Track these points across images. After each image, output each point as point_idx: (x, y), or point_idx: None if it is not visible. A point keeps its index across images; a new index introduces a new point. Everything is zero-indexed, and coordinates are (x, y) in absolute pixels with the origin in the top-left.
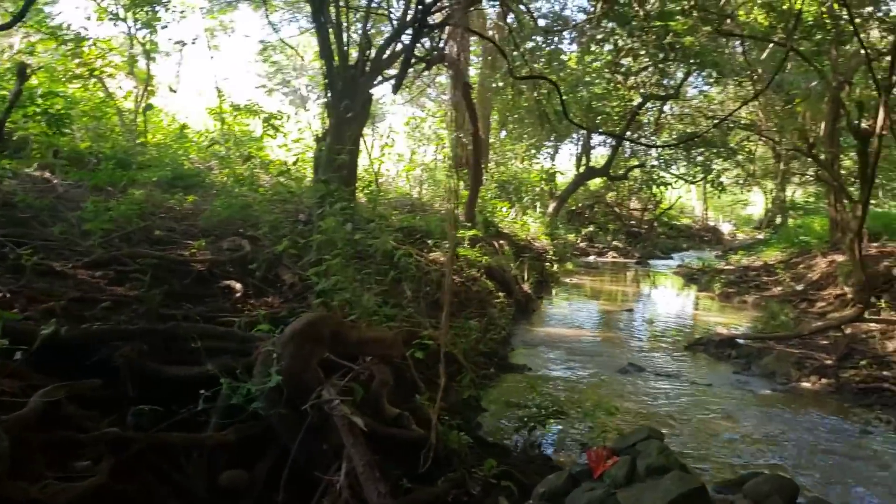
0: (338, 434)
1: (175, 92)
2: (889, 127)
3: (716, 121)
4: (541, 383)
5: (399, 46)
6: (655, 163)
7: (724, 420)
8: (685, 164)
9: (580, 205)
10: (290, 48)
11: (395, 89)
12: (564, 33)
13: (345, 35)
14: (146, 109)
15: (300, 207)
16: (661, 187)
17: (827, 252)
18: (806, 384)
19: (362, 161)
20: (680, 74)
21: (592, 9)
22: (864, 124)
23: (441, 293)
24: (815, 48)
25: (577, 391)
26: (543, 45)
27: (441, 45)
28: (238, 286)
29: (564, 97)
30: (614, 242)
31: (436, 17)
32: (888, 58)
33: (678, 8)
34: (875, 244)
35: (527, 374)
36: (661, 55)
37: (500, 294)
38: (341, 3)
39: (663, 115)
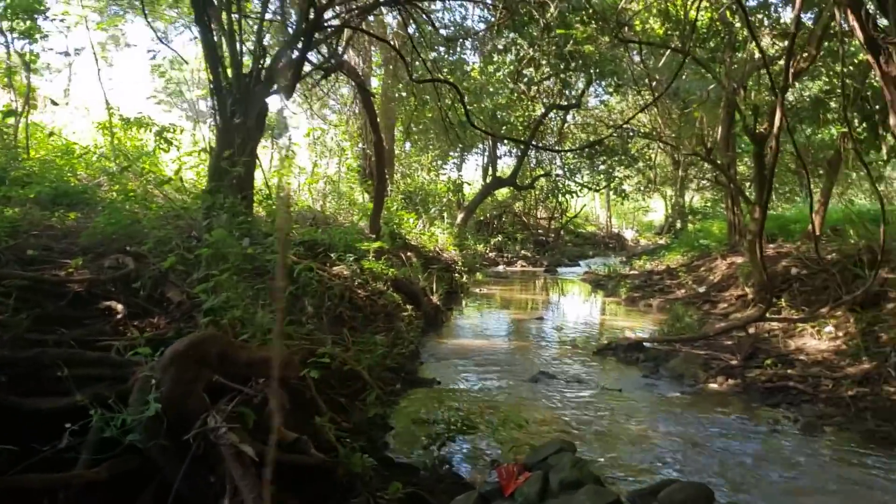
0: (226, 465)
1: (57, 105)
2: (785, 128)
3: (616, 128)
4: (450, 397)
5: (297, 54)
6: (560, 172)
7: (636, 425)
8: (588, 172)
9: (488, 215)
10: (181, 60)
11: (288, 94)
12: (467, 43)
13: (239, 43)
14: (6, 115)
15: (193, 223)
16: (567, 196)
17: (726, 254)
18: (713, 385)
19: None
20: (581, 84)
21: (493, 18)
22: (759, 128)
23: (343, 308)
24: (710, 55)
25: (488, 403)
26: (446, 55)
27: (340, 52)
28: (119, 307)
29: (469, 107)
30: (523, 252)
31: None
32: (782, 62)
33: (577, 18)
34: (772, 245)
35: (436, 388)
36: (562, 64)
37: (408, 307)
38: (233, 9)
39: (566, 125)
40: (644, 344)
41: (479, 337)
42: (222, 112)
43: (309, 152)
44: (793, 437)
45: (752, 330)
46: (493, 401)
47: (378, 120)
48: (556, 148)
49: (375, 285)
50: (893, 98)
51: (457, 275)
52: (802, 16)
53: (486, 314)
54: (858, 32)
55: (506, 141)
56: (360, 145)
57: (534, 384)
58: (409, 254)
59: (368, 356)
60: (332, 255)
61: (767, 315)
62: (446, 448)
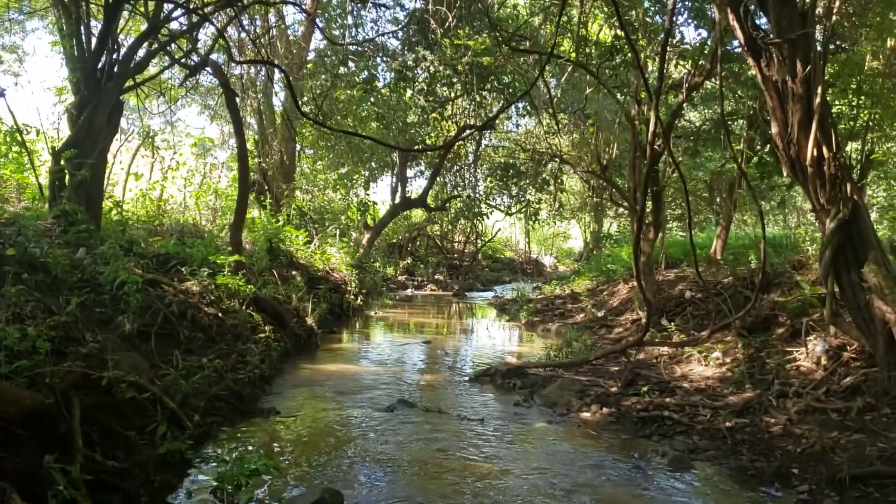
0: None
1: None
2: (665, 138)
3: (529, 151)
4: (281, 429)
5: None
6: (472, 194)
7: (484, 461)
8: (500, 195)
9: (401, 237)
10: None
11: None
12: (378, 60)
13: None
14: None
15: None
16: (478, 219)
17: (628, 279)
18: (586, 414)
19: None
20: (496, 106)
21: (403, 32)
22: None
23: (182, 327)
24: (611, 72)
25: (321, 436)
26: (354, 69)
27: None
28: None
29: (378, 122)
30: (436, 276)
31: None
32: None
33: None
34: (675, 270)
35: (273, 417)
36: (473, 82)
37: (268, 328)
38: None
39: (482, 147)
40: (524, 369)
41: (352, 362)
42: (77, 112)
43: (198, 163)
44: (657, 472)
45: (641, 355)
46: (328, 433)
47: (273, 133)
48: (435, 146)
49: (229, 303)
50: (775, 104)
51: (350, 296)
52: (702, 32)
53: (371, 338)
54: (738, 33)
55: (417, 162)
56: (260, 161)
57: (387, 414)
58: (293, 272)
59: (184, 383)
60: (182, 269)
61: (649, 339)
62: (237, 496)
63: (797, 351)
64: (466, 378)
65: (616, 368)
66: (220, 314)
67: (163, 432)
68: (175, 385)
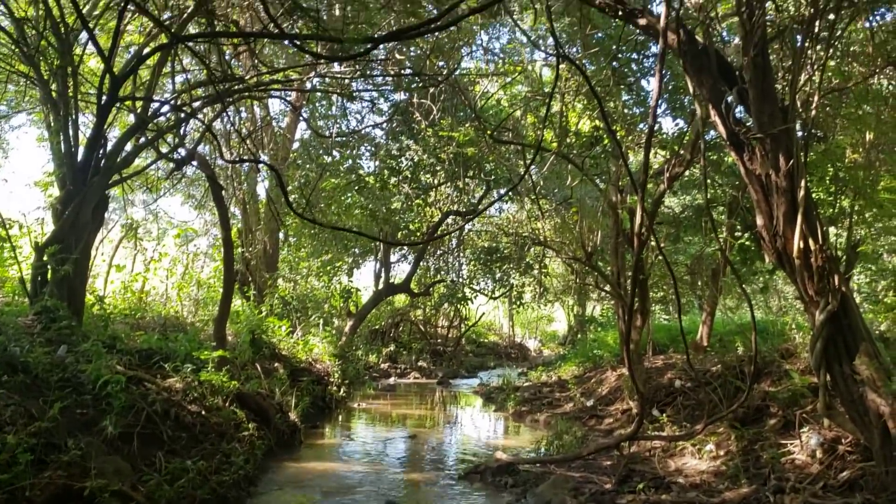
0: None
1: None
2: (649, 228)
3: (512, 235)
4: None
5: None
6: (456, 277)
7: None
8: (484, 278)
9: (383, 323)
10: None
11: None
12: (363, 149)
13: (73, 129)
14: None
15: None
16: (466, 303)
17: (616, 366)
18: None
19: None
20: (479, 193)
21: (386, 123)
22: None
23: (166, 427)
24: (592, 160)
25: None
26: (339, 157)
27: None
28: None
29: (363, 210)
30: (419, 362)
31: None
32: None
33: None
34: (661, 356)
35: None
36: (457, 170)
37: (251, 425)
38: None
39: (466, 232)
40: (516, 465)
41: (336, 459)
42: (62, 207)
43: (180, 254)
44: None
45: (634, 448)
46: None
47: (257, 223)
48: (418, 241)
49: (213, 400)
50: (759, 197)
51: (334, 388)
52: (681, 123)
53: (355, 432)
54: (721, 128)
55: (400, 247)
56: (244, 250)
57: None
58: (276, 364)
59: (169, 488)
60: (165, 365)
61: (642, 433)
62: None
63: (791, 443)
64: (455, 475)
65: (609, 463)
66: (203, 412)
67: None
68: (159, 491)
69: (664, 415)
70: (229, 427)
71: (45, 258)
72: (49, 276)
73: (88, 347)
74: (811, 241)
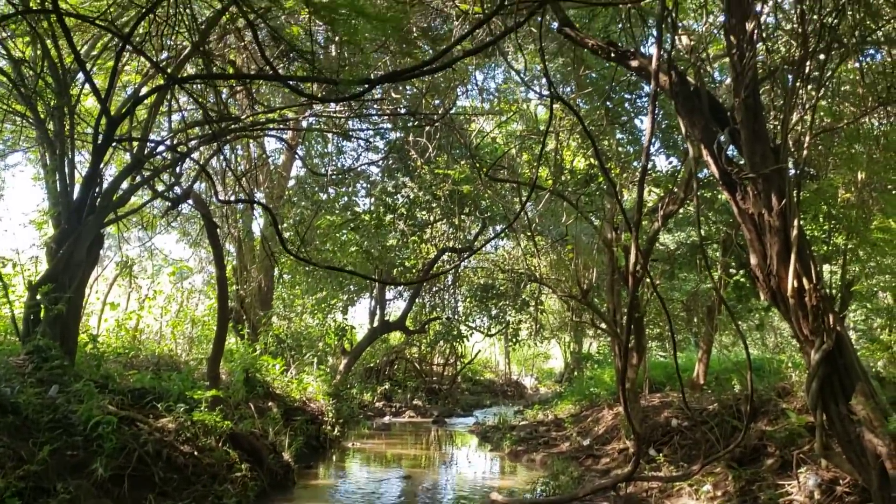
0: None
1: None
2: (644, 266)
3: (508, 272)
4: None
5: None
6: (451, 315)
7: None
8: (480, 315)
9: (378, 361)
10: None
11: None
12: (358, 186)
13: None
14: None
15: None
16: (462, 341)
17: (613, 404)
18: None
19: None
20: (475, 230)
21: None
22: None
23: (157, 468)
24: (587, 198)
25: None
26: (335, 195)
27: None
28: None
29: (358, 248)
30: (414, 401)
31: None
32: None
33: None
34: (658, 394)
35: None
36: (452, 207)
37: (244, 466)
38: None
39: (461, 269)
40: None
41: (331, 500)
42: (57, 245)
43: (175, 291)
44: None
45: (631, 488)
46: None
47: (252, 261)
48: (414, 280)
49: (206, 440)
50: (752, 236)
51: (328, 427)
52: (674, 161)
53: (349, 473)
54: (713, 168)
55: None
56: (235, 285)
57: None
58: (270, 403)
59: None
60: (158, 405)
61: (639, 473)
62: None
63: (789, 484)
64: None
65: None
66: (196, 452)
67: None
68: None
69: (661, 454)
70: (222, 468)
71: (38, 297)
72: (42, 314)
73: (80, 387)
74: (805, 280)
